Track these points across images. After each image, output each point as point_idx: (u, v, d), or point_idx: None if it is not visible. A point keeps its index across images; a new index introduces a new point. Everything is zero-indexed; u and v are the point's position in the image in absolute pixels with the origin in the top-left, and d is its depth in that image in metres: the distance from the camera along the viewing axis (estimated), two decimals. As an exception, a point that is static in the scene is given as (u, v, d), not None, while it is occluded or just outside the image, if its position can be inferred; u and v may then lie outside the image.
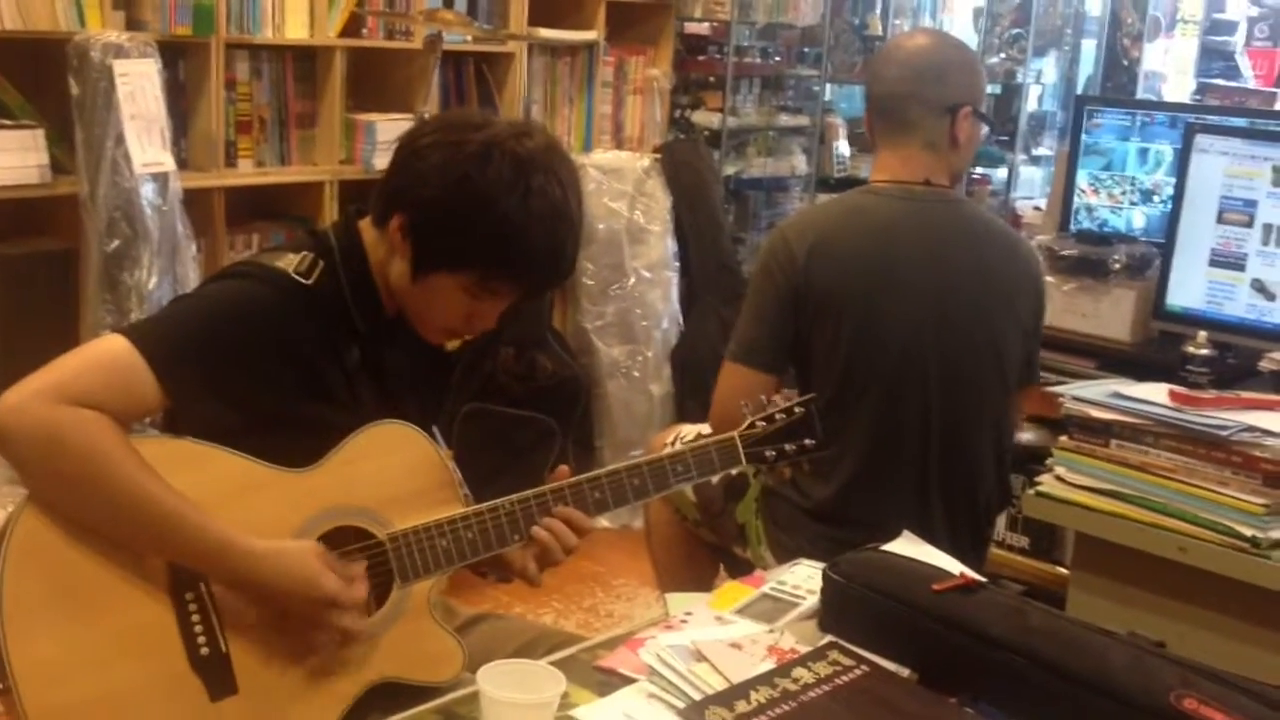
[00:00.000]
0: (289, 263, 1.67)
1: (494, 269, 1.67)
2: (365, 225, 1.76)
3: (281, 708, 1.60)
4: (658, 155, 4.31)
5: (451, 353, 1.90)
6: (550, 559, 1.73)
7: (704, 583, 2.70)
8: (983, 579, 1.52)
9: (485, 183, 1.63)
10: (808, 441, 1.83)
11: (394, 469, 1.68)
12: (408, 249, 1.68)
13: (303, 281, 1.66)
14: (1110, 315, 3.00)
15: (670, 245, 4.22)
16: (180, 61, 3.27)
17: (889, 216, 2.32)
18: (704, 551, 2.68)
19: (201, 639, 1.56)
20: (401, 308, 1.75)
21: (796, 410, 1.83)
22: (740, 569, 2.54)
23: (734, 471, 1.83)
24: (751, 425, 1.82)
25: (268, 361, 1.62)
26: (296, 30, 3.44)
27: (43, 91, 3.06)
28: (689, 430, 2.61)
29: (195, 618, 1.56)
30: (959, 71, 2.38)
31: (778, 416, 1.83)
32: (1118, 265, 2.99)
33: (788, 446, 1.82)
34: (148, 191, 3.00)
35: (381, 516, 1.66)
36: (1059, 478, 2.13)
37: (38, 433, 1.48)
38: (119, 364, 1.53)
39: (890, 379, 2.27)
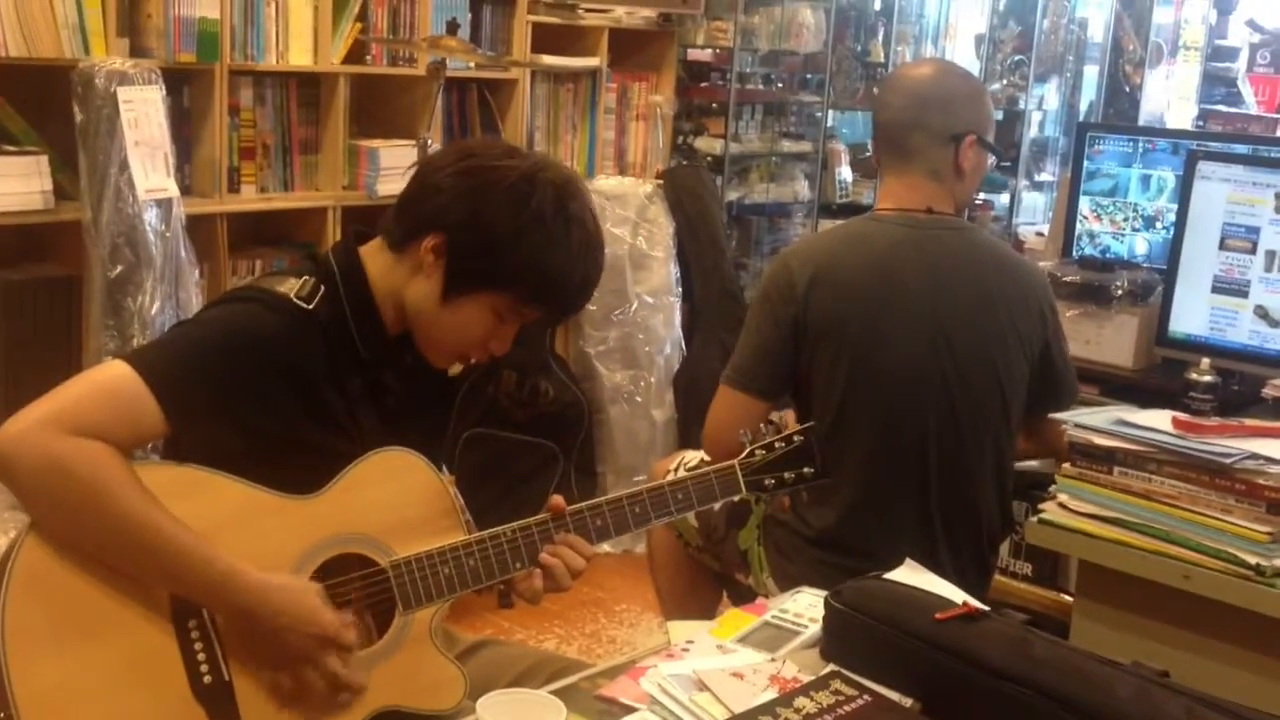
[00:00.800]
0: (290, 287, 1.67)
1: (530, 292, 1.71)
2: (368, 250, 1.76)
3: None
4: (660, 181, 4.32)
5: (453, 378, 1.90)
6: (558, 584, 1.72)
7: (707, 610, 2.69)
8: (986, 608, 1.51)
9: (532, 209, 1.67)
10: (806, 470, 1.83)
11: (396, 496, 1.68)
12: (440, 269, 1.69)
13: (304, 306, 1.66)
14: (1113, 342, 2.99)
15: (673, 271, 4.22)
16: (184, 88, 3.28)
17: (890, 244, 2.32)
18: (707, 578, 2.67)
19: (204, 668, 1.56)
20: (414, 330, 1.75)
21: (796, 439, 1.83)
22: (743, 596, 2.53)
23: (735, 499, 1.83)
24: (751, 454, 1.82)
25: (270, 386, 1.62)
26: (300, 57, 3.46)
27: (47, 118, 3.07)
28: (692, 456, 2.61)
29: (198, 646, 1.56)
30: (964, 100, 2.38)
31: (777, 445, 1.83)
32: (1120, 292, 2.99)
33: (787, 475, 1.83)
34: (151, 217, 3.00)
35: (384, 544, 1.66)
36: (1062, 505, 2.12)
37: (41, 463, 1.48)
38: (122, 391, 1.53)
39: (889, 406, 2.27)
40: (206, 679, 1.55)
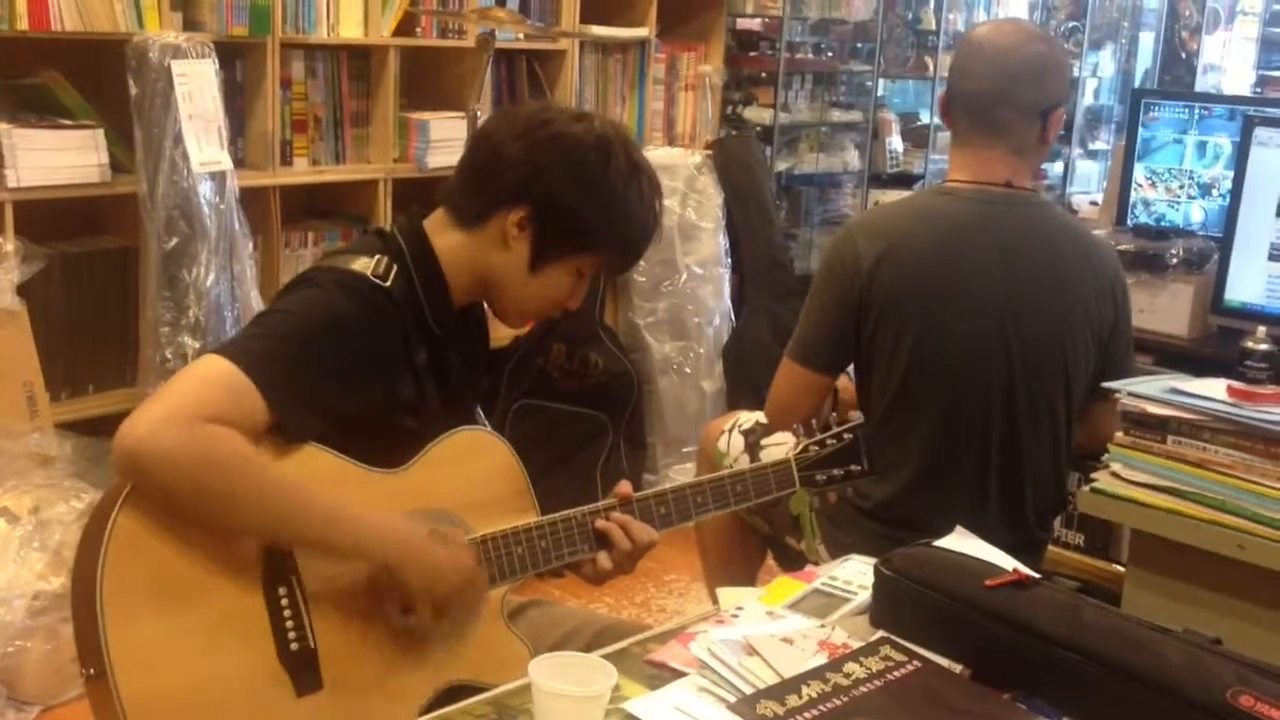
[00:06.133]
0: (365, 266, 1.68)
1: (616, 250, 1.78)
2: (431, 225, 1.78)
3: (362, 707, 1.62)
4: (709, 152, 4.31)
5: (498, 350, 1.94)
6: (619, 553, 1.77)
7: (751, 570, 2.71)
8: (1036, 575, 1.51)
9: (613, 174, 1.73)
10: (854, 468, 1.95)
11: (475, 475, 1.72)
12: (527, 240, 1.73)
13: (381, 284, 1.67)
14: (1167, 310, 2.96)
15: (722, 242, 4.21)
16: (237, 61, 3.30)
17: (962, 221, 2.26)
18: (752, 538, 2.68)
19: (292, 634, 1.58)
20: (494, 299, 1.80)
21: (845, 437, 1.94)
22: (790, 558, 2.54)
23: (789, 493, 1.90)
24: (805, 449, 1.92)
25: (357, 372, 1.64)
26: (351, 30, 3.47)
27: (102, 92, 3.10)
28: (746, 418, 2.61)
29: (287, 612, 1.58)
30: (1053, 71, 2.29)
31: (829, 442, 1.93)
32: (1175, 260, 2.95)
33: (836, 471, 1.94)
34: (205, 190, 3.04)
35: (463, 521, 1.69)
36: (1115, 474, 2.10)
37: (183, 454, 1.48)
38: (231, 384, 1.53)
39: (952, 387, 2.24)
40: (293, 645, 1.57)
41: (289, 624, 1.58)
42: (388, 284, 1.68)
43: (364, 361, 1.64)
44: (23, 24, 2.85)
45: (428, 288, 1.73)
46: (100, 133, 3.01)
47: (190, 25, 3.15)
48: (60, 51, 3.06)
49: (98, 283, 3.13)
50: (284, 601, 1.58)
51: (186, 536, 1.53)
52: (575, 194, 1.72)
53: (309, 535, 1.57)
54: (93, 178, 3.01)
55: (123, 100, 3.00)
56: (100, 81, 3.11)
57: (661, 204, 1.81)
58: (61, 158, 2.95)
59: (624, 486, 1.80)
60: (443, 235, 1.76)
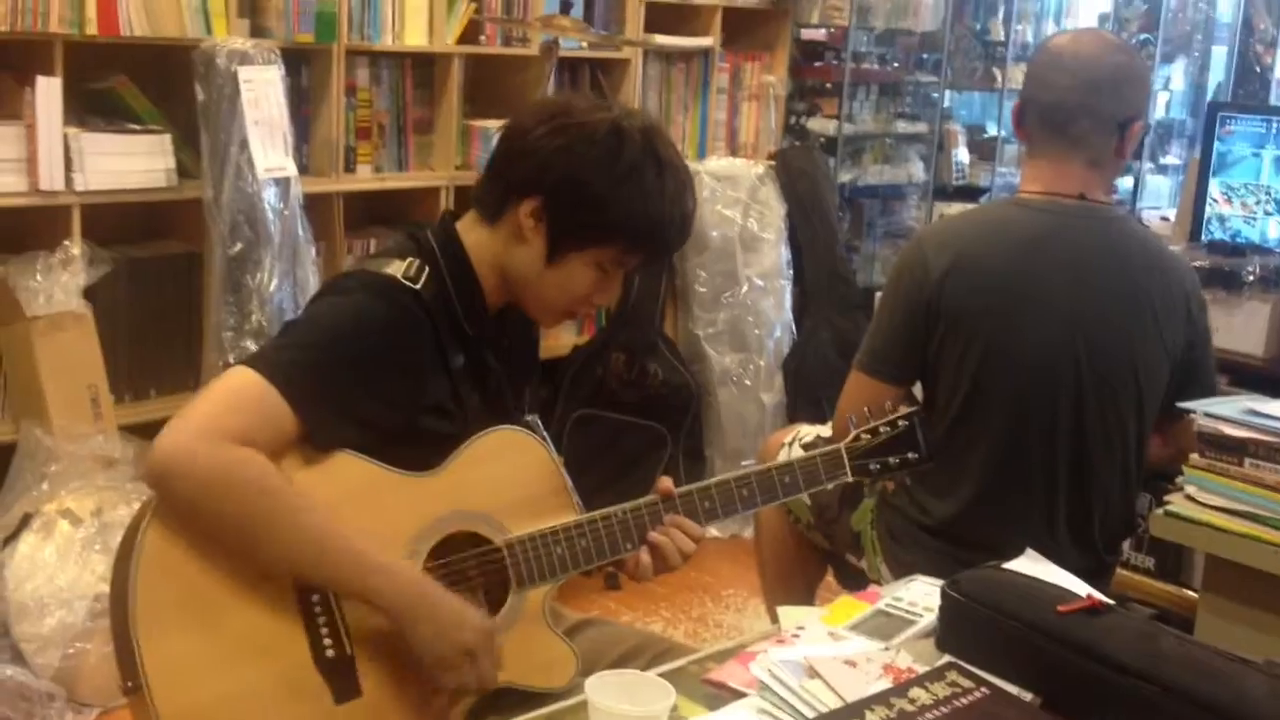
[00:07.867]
0: (396, 269, 1.67)
1: (634, 242, 1.71)
2: (463, 225, 1.77)
3: (403, 712, 1.60)
4: (772, 162, 4.27)
5: (552, 357, 1.91)
6: (667, 564, 1.73)
7: (810, 586, 2.67)
8: (1110, 601, 1.46)
9: (625, 160, 1.67)
10: (911, 455, 1.85)
11: (511, 475, 1.69)
12: (541, 232, 1.70)
13: (412, 287, 1.66)
14: (1243, 329, 2.89)
15: (784, 253, 4.17)
16: (303, 68, 3.32)
17: (1035, 233, 2.21)
18: (812, 554, 2.64)
19: (327, 641, 1.57)
20: (519, 296, 1.76)
21: (900, 424, 1.85)
22: (850, 576, 2.50)
23: (841, 483, 1.82)
24: (857, 438, 1.84)
25: (387, 379, 1.63)
26: (415, 37, 3.48)
27: (169, 97, 3.13)
28: (807, 431, 2.57)
29: (321, 619, 1.57)
30: (1134, 82, 2.25)
31: (882, 429, 1.85)
32: (1252, 278, 2.88)
33: (892, 460, 1.85)
34: (270, 196, 3.05)
35: (498, 522, 1.67)
36: (1189, 497, 2.05)
37: (209, 475, 1.49)
38: (262, 400, 1.54)
39: (1019, 402, 2.19)
40: (329, 652, 1.56)
41: (324, 631, 1.57)
42: (418, 286, 1.66)
43: (394, 366, 1.63)
44: (92, 29, 2.88)
45: (460, 289, 1.71)
46: (167, 138, 3.03)
47: (257, 31, 3.16)
48: (129, 56, 3.08)
49: (163, 287, 3.15)
50: (318, 609, 1.57)
51: (217, 548, 1.52)
52: (586, 180, 1.67)
53: (327, 575, 1.56)
54: (159, 182, 3.03)
55: (190, 105, 3.02)
56: (168, 87, 3.13)
57: (693, 200, 1.75)
58: (129, 162, 2.97)
59: (665, 482, 1.75)
60: (472, 234, 1.75)
